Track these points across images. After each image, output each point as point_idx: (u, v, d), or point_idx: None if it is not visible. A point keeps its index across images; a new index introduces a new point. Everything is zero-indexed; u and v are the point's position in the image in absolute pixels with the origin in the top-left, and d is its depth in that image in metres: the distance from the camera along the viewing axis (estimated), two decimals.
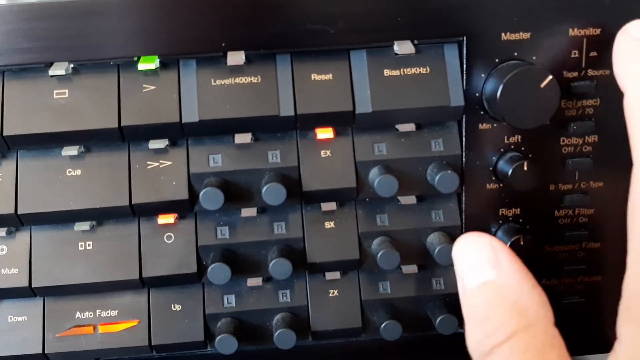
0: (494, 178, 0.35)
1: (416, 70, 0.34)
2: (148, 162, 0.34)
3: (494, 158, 0.35)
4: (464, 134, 0.35)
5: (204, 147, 0.35)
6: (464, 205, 0.36)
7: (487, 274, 0.28)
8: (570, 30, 0.34)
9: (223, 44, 0.33)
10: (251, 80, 0.34)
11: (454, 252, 0.30)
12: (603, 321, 0.38)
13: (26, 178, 0.34)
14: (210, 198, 0.33)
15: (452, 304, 0.37)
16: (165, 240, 0.35)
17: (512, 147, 0.35)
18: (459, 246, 0.30)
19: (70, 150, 0.34)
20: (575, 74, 0.34)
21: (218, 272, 0.34)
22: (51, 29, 0.33)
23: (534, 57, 0.34)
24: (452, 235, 0.36)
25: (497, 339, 0.26)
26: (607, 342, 0.38)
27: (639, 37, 0.30)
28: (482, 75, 0.34)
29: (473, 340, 0.28)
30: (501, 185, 0.36)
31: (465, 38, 0.34)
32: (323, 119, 0.34)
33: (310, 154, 0.35)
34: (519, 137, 0.35)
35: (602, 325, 0.38)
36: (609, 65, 0.34)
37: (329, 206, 0.36)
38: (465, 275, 0.29)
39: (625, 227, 0.37)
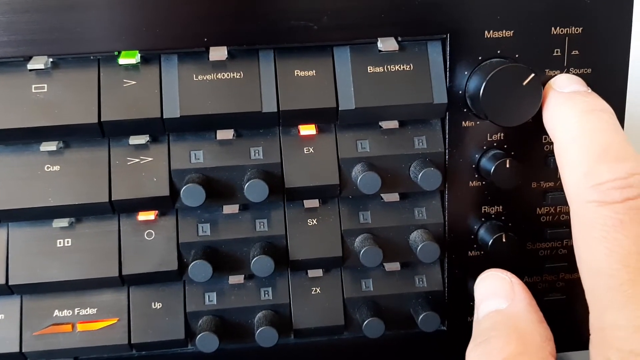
0: (476, 175, 0.36)
1: (400, 67, 0.34)
2: (128, 158, 0.34)
3: (476, 155, 0.35)
4: (447, 131, 0.35)
5: (186, 143, 0.34)
6: (446, 203, 0.36)
7: (499, 303, 0.30)
8: (553, 28, 0.34)
9: (205, 39, 0.33)
10: (234, 76, 0.33)
11: (476, 283, 0.32)
12: (584, 318, 0.38)
13: (3, 173, 0.33)
14: (192, 195, 0.33)
15: (434, 301, 0.37)
16: (146, 237, 0.35)
17: (495, 144, 0.35)
18: (481, 278, 0.32)
19: (49, 146, 0.34)
20: (557, 72, 0.34)
21: (199, 269, 0.33)
22: (30, 22, 0.32)
23: (517, 55, 0.34)
24: (435, 232, 0.36)
25: None
26: (588, 339, 0.39)
27: (562, 89, 0.32)
28: (465, 72, 0.34)
29: (471, 359, 0.28)
30: (484, 182, 0.36)
31: (448, 35, 0.34)
32: (306, 116, 0.34)
33: (293, 150, 0.35)
34: (502, 134, 0.35)
35: (583, 322, 0.38)
36: (590, 63, 0.34)
37: (311, 203, 0.36)
38: (480, 303, 0.31)
39: None
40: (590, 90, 0.32)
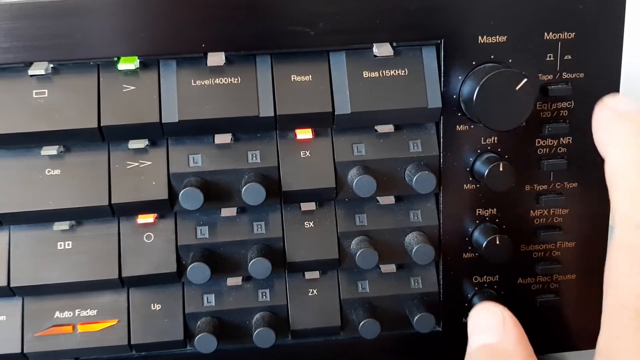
0: (470, 179, 0.36)
1: (395, 72, 0.34)
2: (128, 162, 0.35)
3: (470, 159, 0.36)
4: (441, 135, 0.35)
5: (184, 147, 0.35)
6: (441, 206, 0.36)
7: (489, 338, 0.31)
8: (546, 34, 0.34)
9: (203, 45, 0.33)
10: (231, 81, 0.34)
11: (469, 316, 0.32)
12: (577, 319, 0.39)
13: (5, 177, 0.34)
14: (190, 198, 0.33)
15: (429, 302, 0.37)
16: (145, 239, 0.35)
17: (489, 148, 0.36)
18: (473, 312, 0.32)
19: (50, 150, 0.34)
20: (550, 76, 0.35)
21: (197, 271, 0.34)
22: (31, 29, 0.32)
23: (510, 60, 0.34)
24: (430, 235, 0.36)
25: None
26: (581, 340, 0.39)
27: (618, 109, 0.31)
28: (459, 77, 0.34)
29: None
30: (478, 185, 0.36)
31: (442, 41, 0.34)
32: (302, 120, 0.35)
33: (290, 154, 0.35)
34: (496, 138, 0.35)
35: (576, 323, 0.39)
36: (583, 68, 0.35)
37: (308, 206, 0.36)
38: (471, 336, 0.32)
39: (599, 227, 0.38)
40: None
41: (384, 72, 0.34)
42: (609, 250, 0.29)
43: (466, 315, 0.38)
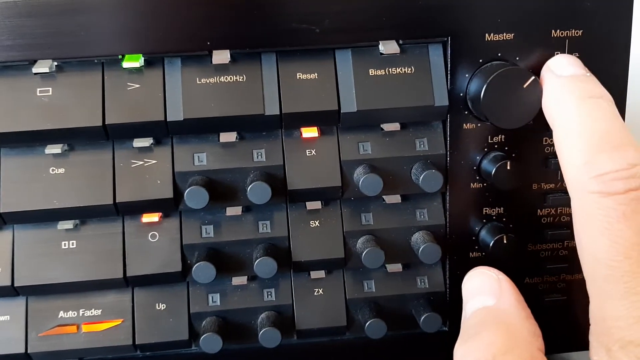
0: (477, 177, 0.36)
1: (401, 70, 0.34)
2: (132, 161, 0.34)
3: (477, 157, 0.35)
4: (448, 133, 0.35)
5: (189, 145, 0.35)
6: (448, 205, 0.36)
7: (487, 300, 0.30)
8: (553, 31, 0.34)
9: (208, 43, 0.33)
10: (236, 79, 0.34)
11: (463, 281, 0.32)
12: (585, 319, 0.38)
13: (9, 176, 0.34)
14: (195, 197, 0.33)
15: (436, 302, 0.37)
16: (150, 239, 0.35)
17: (496, 146, 0.35)
18: (468, 276, 0.32)
19: (54, 149, 0.34)
20: None
21: (203, 271, 0.34)
22: (35, 26, 0.32)
23: (517, 58, 0.34)
24: (436, 234, 0.36)
25: (482, 356, 0.27)
26: (589, 340, 0.39)
27: (562, 75, 0.32)
28: (466, 75, 0.34)
29: (459, 354, 0.28)
30: (485, 184, 0.36)
31: (449, 38, 0.34)
32: (308, 118, 0.34)
33: (296, 153, 0.35)
34: (503, 136, 0.35)
35: (584, 323, 0.38)
36: (590, 66, 0.34)
37: (314, 205, 0.36)
38: (467, 301, 0.31)
39: None
40: (589, 74, 0.32)
41: (390, 70, 0.34)
42: (573, 221, 0.29)
43: None
